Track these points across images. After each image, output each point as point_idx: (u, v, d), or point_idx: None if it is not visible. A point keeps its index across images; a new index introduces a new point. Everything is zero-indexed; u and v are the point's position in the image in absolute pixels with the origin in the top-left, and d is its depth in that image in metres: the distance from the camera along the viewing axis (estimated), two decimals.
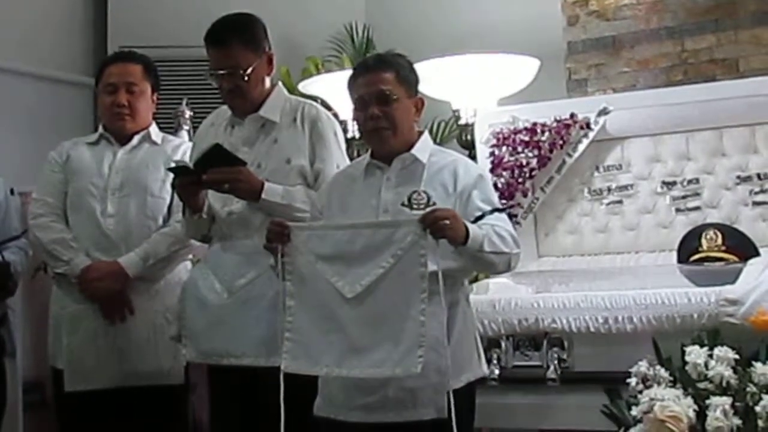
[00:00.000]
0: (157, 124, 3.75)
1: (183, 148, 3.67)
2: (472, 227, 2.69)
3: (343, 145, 3.30)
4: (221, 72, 3.18)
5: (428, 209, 2.70)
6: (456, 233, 2.65)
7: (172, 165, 3.23)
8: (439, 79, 4.60)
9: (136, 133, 3.62)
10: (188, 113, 4.75)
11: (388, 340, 2.64)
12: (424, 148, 2.92)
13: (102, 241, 3.50)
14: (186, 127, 4.68)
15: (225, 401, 3.24)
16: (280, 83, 3.36)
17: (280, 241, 2.77)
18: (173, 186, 3.22)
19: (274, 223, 2.80)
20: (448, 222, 2.62)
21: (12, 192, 3.96)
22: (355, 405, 2.79)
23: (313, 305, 2.76)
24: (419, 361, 2.59)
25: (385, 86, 2.85)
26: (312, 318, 2.75)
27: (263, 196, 3.10)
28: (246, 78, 3.18)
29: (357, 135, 4.67)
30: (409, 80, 2.92)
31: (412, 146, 2.91)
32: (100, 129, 3.68)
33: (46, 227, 3.54)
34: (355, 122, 3.11)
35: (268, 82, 3.28)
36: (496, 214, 2.82)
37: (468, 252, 2.70)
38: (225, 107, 3.32)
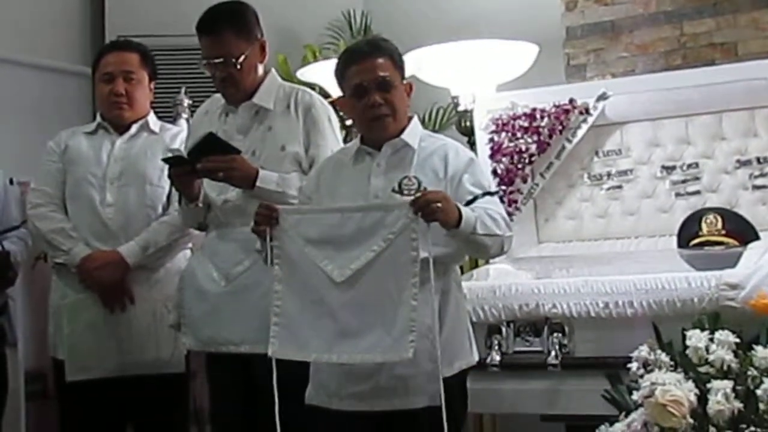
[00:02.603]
0: (156, 113, 3.74)
1: (181, 136, 3.65)
2: (464, 210, 2.66)
3: (338, 131, 3.29)
4: (213, 61, 3.17)
5: (419, 193, 2.67)
6: (448, 216, 2.62)
7: (167, 155, 3.23)
8: (438, 65, 4.59)
9: (134, 122, 3.62)
10: (187, 102, 4.73)
11: (378, 325, 2.62)
12: (414, 133, 2.90)
13: (101, 231, 3.50)
14: (185, 116, 4.67)
15: (224, 389, 3.24)
16: (273, 70, 3.35)
17: (267, 224, 2.75)
18: (169, 176, 3.21)
19: (263, 206, 2.79)
20: (440, 205, 2.59)
21: (11, 182, 3.96)
22: (347, 393, 2.78)
23: (302, 290, 2.73)
24: (411, 346, 2.57)
25: (384, 72, 2.83)
26: (300, 303, 2.73)
27: (258, 183, 3.09)
28: (238, 66, 3.17)
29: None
30: (402, 65, 2.90)
31: (402, 131, 2.89)
32: (98, 118, 3.67)
33: (45, 217, 3.54)
34: (346, 110, 3.07)
35: (261, 69, 3.27)
36: (488, 197, 2.80)
37: (461, 235, 2.67)
38: (219, 95, 3.32)
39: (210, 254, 3.25)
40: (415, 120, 2.96)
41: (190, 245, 3.68)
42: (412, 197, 2.65)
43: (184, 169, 3.11)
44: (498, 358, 3.29)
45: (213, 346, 3.20)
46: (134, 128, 3.62)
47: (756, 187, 4.04)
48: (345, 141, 3.35)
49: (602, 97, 4.20)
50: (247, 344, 3.06)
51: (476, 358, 2.95)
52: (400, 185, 2.76)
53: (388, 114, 2.84)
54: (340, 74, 2.90)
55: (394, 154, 2.88)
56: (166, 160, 3.18)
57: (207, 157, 3.04)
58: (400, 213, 2.62)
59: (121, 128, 3.62)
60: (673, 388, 2.77)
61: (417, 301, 2.59)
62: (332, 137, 3.25)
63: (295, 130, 3.21)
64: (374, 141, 2.90)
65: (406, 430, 2.71)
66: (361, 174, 2.89)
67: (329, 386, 2.82)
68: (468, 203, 2.76)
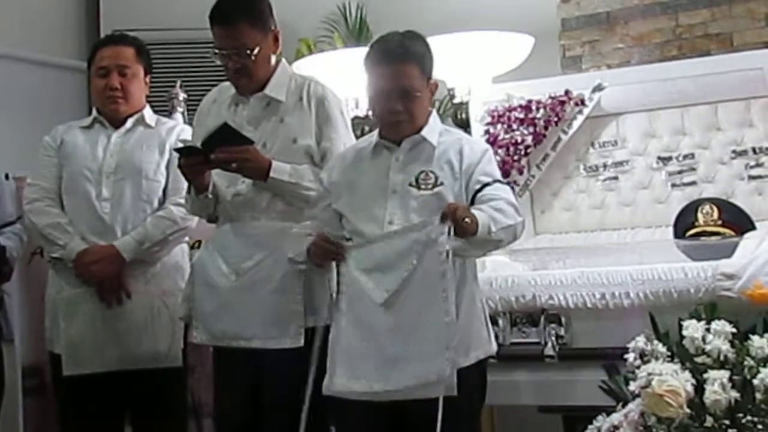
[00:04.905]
0: (152, 107, 3.73)
1: (177, 130, 3.65)
2: (478, 215, 2.68)
3: (349, 123, 3.28)
4: (227, 51, 3.15)
5: (447, 205, 2.69)
6: (473, 228, 2.65)
7: (179, 145, 3.21)
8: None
9: (130, 116, 3.61)
10: (182, 95, 4.71)
11: (417, 348, 2.67)
12: (433, 128, 2.92)
13: (97, 225, 3.49)
14: (180, 110, 4.65)
15: (231, 383, 3.22)
16: (284, 60, 3.32)
17: (332, 260, 2.86)
18: (179, 166, 3.18)
19: (325, 241, 2.85)
20: (469, 221, 2.63)
21: (6, 177, 3.95)
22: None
23: (356, 319, 2.80)
24: (447, 361, 2.61)
25: (408, 82, 2.83)
26: (354, 332, 2.79)
27: (271, 174, 3.07)
28: (253, 57, 3.14)
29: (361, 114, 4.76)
30: (429, 69, 2.91)
31: (422, 127, 2.90)
32: (94, 113, 3.66)
33: (41, 212, 3.53)
34: (371, 106, 3.06)
35: (273, 59, 3.25)
36: (497, 184, 2.83)
37: (478, 239, 2.69)
38: (227, 83, 3.28)
39: (220, 248, 3.22)
40: (434, 115, 2.97)
41: (186, 239, 3.68)
42: (428, 193, 2.75)
43: (196, 160, 3.09)
44: (495, 349, 3.29)
45: (224, 340, 3.18)
46: (130, 122, 3.61)
47: (752, 177, 4.04)
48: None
49: (598, 88, 4.20)
50: (258, 340, 3.06)
51: (494, 348, 2.97)
52: (417, 179, 2.79)
53: (405, 121, 2.87)
54: (368, 69, 2.90)
55: (413, 149, 2.90)
56: (178, 150, 3.15)
57: (220, 148, 3.02)
58: (432, 229, 2.66)
59: (117, 122, 3.61)
60: (669, 378, 2.78)
61: (450, 317, 2.62)
62: (344, 130, 3.23)
63: (307, 123, 3.18)
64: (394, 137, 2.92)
65: (422, 419, 2.71)
66: (380, 168, 2.91)
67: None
68: (478, 191, 2.79)
